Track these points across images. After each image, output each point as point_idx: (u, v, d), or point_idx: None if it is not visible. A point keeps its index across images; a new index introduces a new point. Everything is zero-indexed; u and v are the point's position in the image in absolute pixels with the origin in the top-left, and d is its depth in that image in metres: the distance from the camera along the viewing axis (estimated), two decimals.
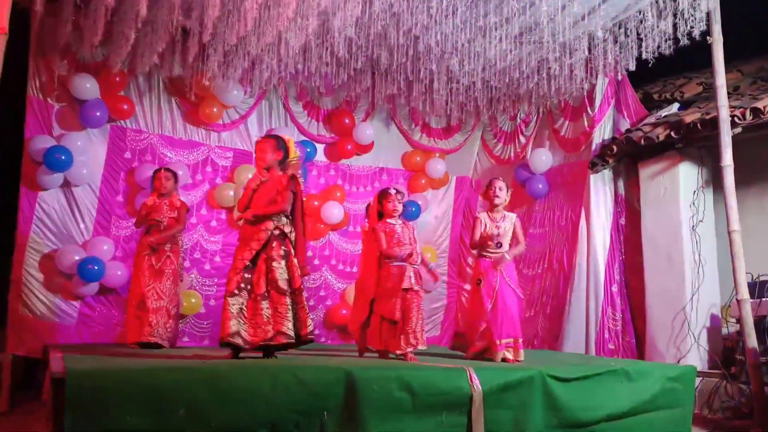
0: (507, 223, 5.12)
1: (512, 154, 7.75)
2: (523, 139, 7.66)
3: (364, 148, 7.55)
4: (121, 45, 5.41)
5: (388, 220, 4.97)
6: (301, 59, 5.87)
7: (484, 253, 5.07)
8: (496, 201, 5.11)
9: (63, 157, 5.85)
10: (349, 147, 7.43)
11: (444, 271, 7.92)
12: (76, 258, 5.92)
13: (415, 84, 6.74)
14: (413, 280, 4.85)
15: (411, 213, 7.30)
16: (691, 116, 5.84)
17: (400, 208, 5.00)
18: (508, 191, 5.19)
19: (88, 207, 6.23)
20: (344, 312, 7.07)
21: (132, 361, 4.10)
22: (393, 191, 5.03)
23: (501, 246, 5.03)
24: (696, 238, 5.92)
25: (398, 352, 4.73)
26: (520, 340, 4.93)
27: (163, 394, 3.23)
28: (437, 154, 7.92)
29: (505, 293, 4.96)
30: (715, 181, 5.96)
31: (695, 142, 5.92)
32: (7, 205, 6.04)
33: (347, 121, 7.38)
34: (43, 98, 6.04)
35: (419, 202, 7.66)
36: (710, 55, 5.19)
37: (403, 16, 5.18)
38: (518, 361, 4.83)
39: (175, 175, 5.87)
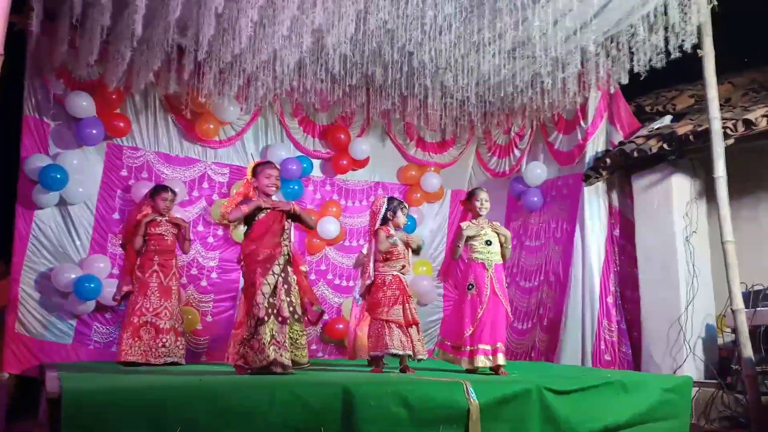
0: (490, 229, 5.13)
1: (507, 168, 7.79)
2: (517, 153, 7.70)
3: (360, 163, 7.59)
4: (116, 63, 5.46)
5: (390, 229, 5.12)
6: (296, 76, 5.92)
7: (476, 255, 5.08)
8: (482, 212, 5.12)
9: (59, 176, 5.86)
10: (344, 162, 7.47)
11: (439, 284, 7.93)
12: (72, 276, 5.91)
13: (409, 99, 6.80)
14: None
15: (407, 227, 7.32)
16: (683, 128, 5.89)
17: (403, 219, 5.19)
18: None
19: (84, 225, 6.23)
20: (340, 326, 7.07)
21: (129, 379, 4.10)
22: (399, 200, 5.28)
23: (490, 244, 5.05)
24: (690, 249, 5.95)
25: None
26: (500, 344, 4.91)
27: (161, 413, 3.22)
28: (432, 168, 7.96)
29: (495, 300, 4.99)
30: (708, 192, 6.01)
31: (688, 154, 5.97)
32: (4, 224, 6.05)
33: (343, 136, 7.42)
34: (39, 117, 6.06)
35: (414, 216, 7.68)
36: (702, 67, 5.25)
37: (397, 33, 5.23)
38: (499, 366, 4.84)
39: (174, 194, 5.96)
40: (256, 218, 4.61)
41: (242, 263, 4.66)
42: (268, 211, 4.59)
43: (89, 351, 6.05)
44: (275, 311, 4.40)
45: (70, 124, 6.17)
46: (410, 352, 4.88)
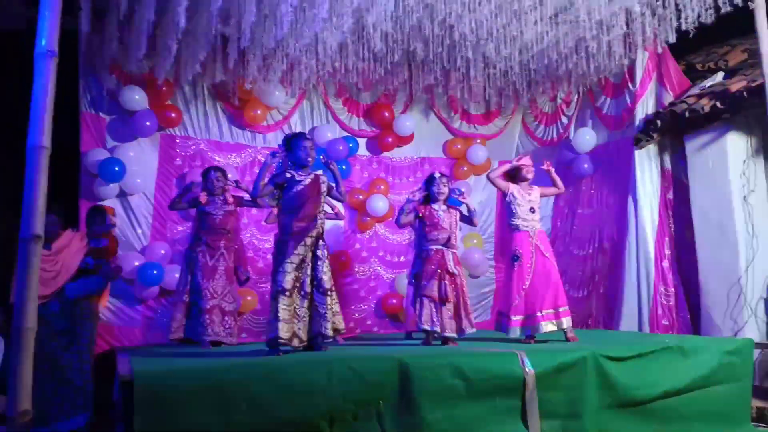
0: (535, 194, 5.34)
1: (555, 135, 7.69)
2: (565, 120, 7.59)
3: (405, 140, 7.61)
4: (164, 56, 5.61)
5: (432, 205, 5.22)
6: (338, 57, 5.96)
7: (518, 222, 5.20)
8: (528, 176, 5.36)
9: (117, 168, 6.09)
10: (390, 139, 7.50)
11: (490, 256, 7.94)
12: (136, 264, 6.17)
13: (452, 72, 6.76)
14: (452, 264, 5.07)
15: (455, 200, 7.34)
16: (736, 85, 5.70)
17: (445, 191, 5.26)
18: None
19: (144, 214, 6.48)
20: (394, 302, 7.17)
21: (195, 360, 4.28)
22: (437, 175, 5.33)
23: (534, 212, 5.22)
24: (748, 209, 5.79)
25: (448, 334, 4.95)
26: (562, 309, 5.00)
27: (227, 391, 3.36)
28: (478, 141, 7.92)
29: (543, 264, 5.08)
30: (765, 149, 5.82)
31: (742, 111, 5.78)
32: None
33: (387, 114, 7.45)
34: (95, 113, 6.30)
35: (463, 189, 7.65)
36: (754, 20, 5.06)
37: (437, 6, 5.20)
38: (564, 330, 4.94)
39: (224, 173, 5.91)
40: (292, 190, 4.52)
41: (276, 235, 4.61)
42: (304, 185, 4.54)
43: (156, 334, 6.30)
44: (299, 285, 4.39)
45: (124, 117, 6.39)
46: (437, 329, 4.92)
